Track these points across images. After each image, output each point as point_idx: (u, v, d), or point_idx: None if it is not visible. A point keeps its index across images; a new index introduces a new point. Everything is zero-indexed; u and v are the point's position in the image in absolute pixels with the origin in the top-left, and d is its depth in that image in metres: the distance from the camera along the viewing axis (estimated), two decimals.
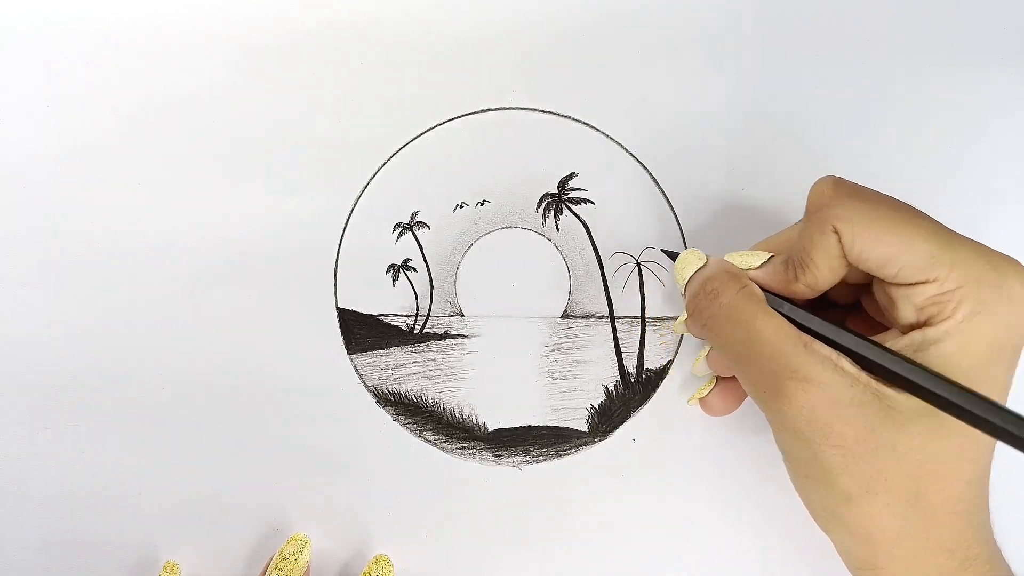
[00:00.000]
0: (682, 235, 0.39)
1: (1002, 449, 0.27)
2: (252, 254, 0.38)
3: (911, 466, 0.28)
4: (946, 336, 0.27)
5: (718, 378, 0.36)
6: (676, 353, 0.38)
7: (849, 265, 0.29)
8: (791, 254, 0.31)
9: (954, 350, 0.27)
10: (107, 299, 0.38)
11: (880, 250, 0.28)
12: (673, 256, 0.35)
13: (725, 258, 0.33)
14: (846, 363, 0.28)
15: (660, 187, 0.39)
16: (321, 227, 0.39)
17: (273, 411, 0.38)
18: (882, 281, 0.29)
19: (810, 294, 0.31)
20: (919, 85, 0.39)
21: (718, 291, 0.31)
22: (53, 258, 0.38)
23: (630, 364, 0.38)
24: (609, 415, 0.38)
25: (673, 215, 0.39)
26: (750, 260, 0.32)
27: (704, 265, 0.33)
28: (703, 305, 0.32)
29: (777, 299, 0.31)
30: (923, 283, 0.28)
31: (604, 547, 0.38)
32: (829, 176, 0.30)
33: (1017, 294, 0.27)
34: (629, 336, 0.39)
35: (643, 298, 0.39)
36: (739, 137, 0.39)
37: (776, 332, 0.29)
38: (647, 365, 0.38)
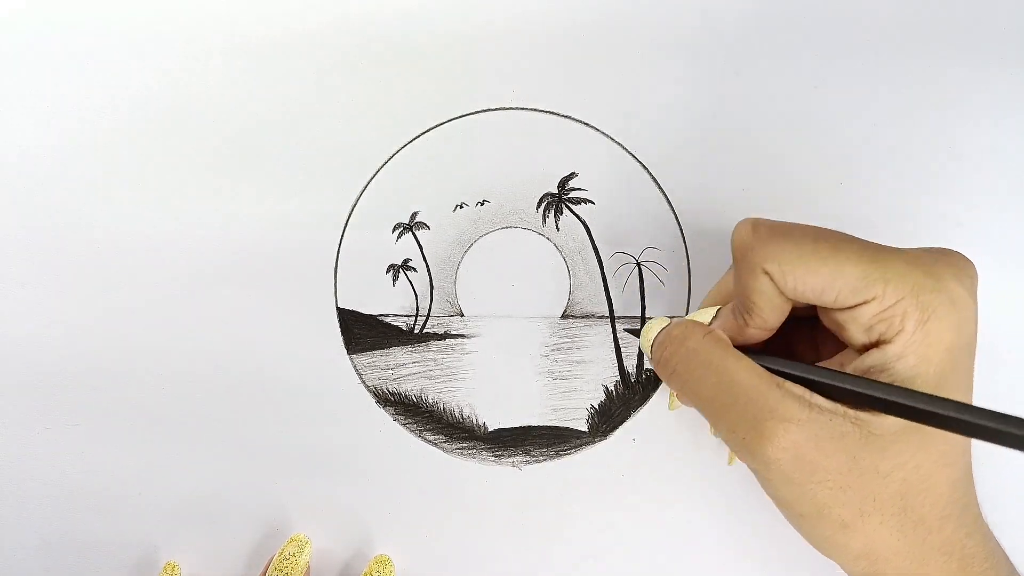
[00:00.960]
0: (682, 235, 0.39)
1: (996, 450, 0.27)
2: (252, 254, 0.38)
3: (896, 483, 0.28)
4: (905, 350, 0.27)
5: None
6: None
7: (789, 300, 0.29)
8: (734, 302, 0.31)
9: (916, 361, 0.27)
10: (107, 299, 0.38)
11: (812, 282, 0.28)
12: (638, 333, 0.36)
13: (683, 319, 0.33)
14: (819, 399, 0.28)
15: (660, 187, 0.39)
16: (321, 227, 0.39)
17: (273, 411, 0.38)
18: (824, 308, 0.29)
19: (764, 335, 0.31)
20: (919, 85, 0.39)
21: (685, 335, 0.31)
22: (53, 258, 0.38)
23: (630, 364, 0.38)
24: (609, 415, 0.38)
25: (673, 215, 0.39)
26: (702, 317, 0.32)
27: (668, 326, 0.33)
28: (671, 351, 0.31)
29: (741, 349, 0.31)
30: (863, 304, 0.28)
31: (604, 547, 0.38)
32: (746, 220, 0.30)
33: (957, 294, 0.27)
34: (629, 336, 0.39)
35: (643, 298, 0.39)
36: (739, 137, 0.39)
37: (749, 373, 0.29)
38: (647, 365, 0.38)
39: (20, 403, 0.38)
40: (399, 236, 0.39)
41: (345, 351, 0.38)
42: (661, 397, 0.38)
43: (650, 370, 0.38)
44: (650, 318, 0.38)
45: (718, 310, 0.32)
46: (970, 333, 0.28)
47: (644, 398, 0.38)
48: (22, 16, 0.39)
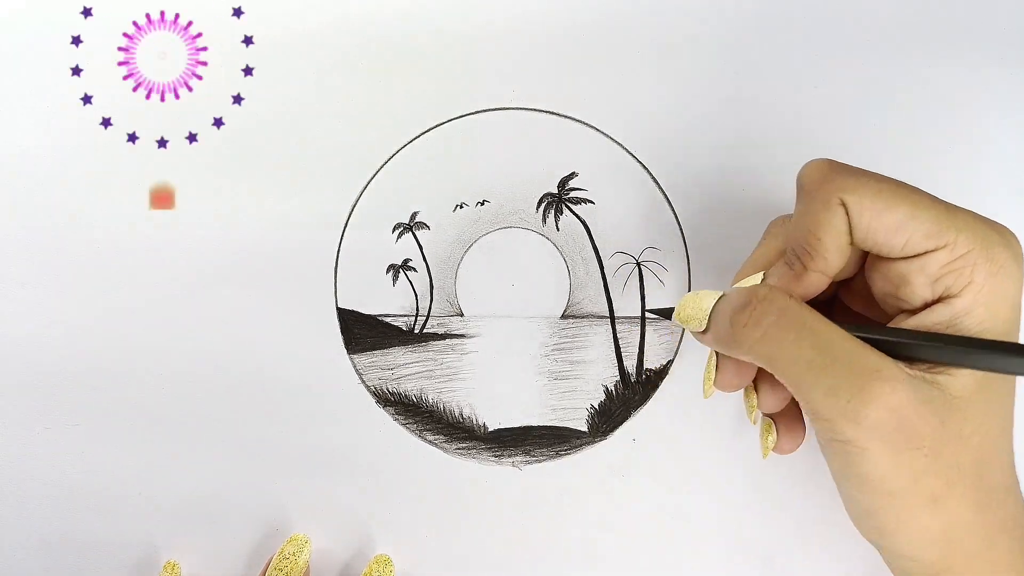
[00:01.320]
0: (682, 235, 0.39)
1: None
2: (252, 254, 0.38)
3: (974, 449, 0.27)
4: (975, 303, 0.26)
5: (774, 421, 0.34)
6: (676, 353, 0.38)
7: (852, 248, 0.28)
8: (790, 248, 0.30)
9: (986, 315, 0.26)
10: (107, 299, 0.38)
11: (888, 220, 0.27)
12: (665, 314, 0.34)
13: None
14: (903, 364, 0.27)
15: (660, 187, 0.39)
16: (321, 227, 0.39)
17: (273, 411, 0.38)
18: (886, 261, 0.28)
19: (822, 284, 0.29)
20: (918, 84, 0.39)
21: (772, 298, 0.28)
22: (53, 258, 0.38)
23: (630, 364, 0.38)
24: (609, 415, 0.38)
25: (673, 215, 0.39)
26: (749, 284, 0.31)
27: (723, 296, 0.30)
28: (760, 312, 0.28)
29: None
30: (934, 251, 0.27)
31: (604, 547, 0.38)
32: (820, 158, 0.29)
33: (1018, 250, 0.27)
34: (629, 336, 0.39)
35: (643, 298, 0.39)
36: (739, 136, 0.39)
37: (842, 334, 0.27)
38: (647, 365, 0.38)
39: (20, 403, 0.38)
40: (399, 236, 0.39)
41: (345, 351, 0.38)
42: (661, 397, 0.38)
43: (650, 370, 0.38)
44: (652, 312, 0.38)
45: (763, 274, 0.31)
46: None
47: (644, 398, 0.38)
48: (22, 16, 0.39)
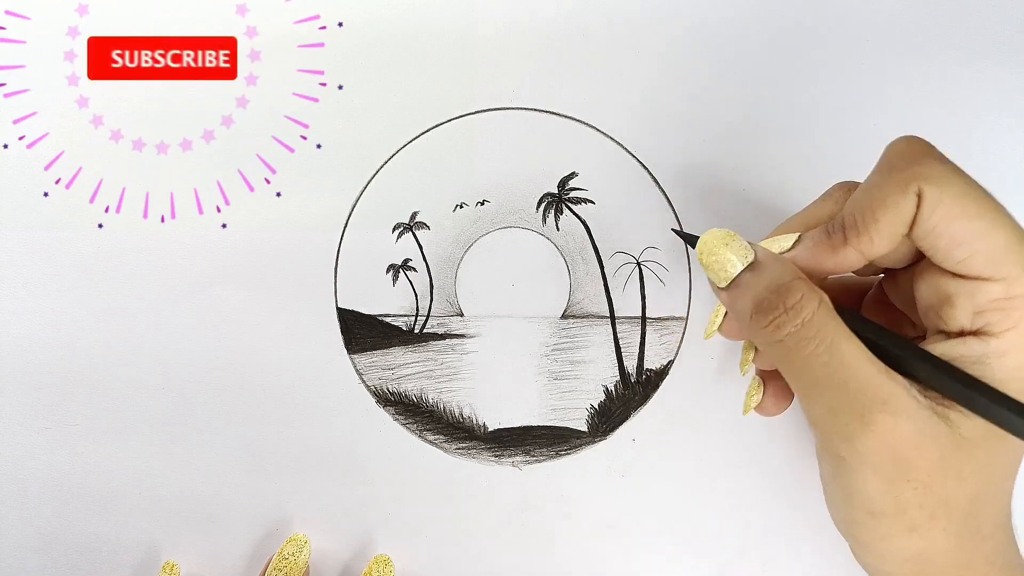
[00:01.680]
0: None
1: None
2: (252, 254, 0.38)
3: (971, 487, 0.26)
4: (1012, 349, 0.25)
5: (763, 379, 0.33)
6: (676, 353, 0.38)
7: (904, 241, 0.27)
8: (841, 216, 0.28)
9: (1017, 364, 0.25)
10: (107, 299, 0.38)
11: (959, 227, 0.25)
12: (691, 240, 0.31)
13: (761, 244, 0.29)
14: (916, 391, 0.26)
15: (660, 187, 0.39)
16: (321, 227, 0.39)
17: (273, 411, 0.38)
18: (937, 271, 0.26)
19: (856, 263, 0.27)
20: (919, 84, 0.39)
21: (802, 305, 0.27)
22: (53, 258, 0.38)
23: (630, 364, 0.38)
24: (609, 415, 0.38)
25: (673, 215, 0.39)
26: (781, 243, 0.29)
27: (755, 262, 0.28)
28: (782, 320, 0.27)
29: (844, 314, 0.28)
30: (989, 280, 0.25)
31: (604, 547, 0.38)
32: (916, 136, 0.27)
33: None
34: (629, 336, 0.38)
35: (643, 298, 0.39)
36: (739, 136, 0.39)
37: (860, 356, 0.26)
38: (647, 365, 0.38)
39: (20, 403, 0.38)
40: (399, 236, 0.39)
41: (345, 351, 0.38)
42: (661, 397, 0.38)
43: (650, 370, 0.38)
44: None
45: (799, 236, 0.29)
46: None
47: (644, 398, 0.38)
48: (22, 16, 0.39)
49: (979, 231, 0.25)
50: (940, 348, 0.26)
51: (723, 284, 0.29)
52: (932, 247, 0.26)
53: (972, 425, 0.26)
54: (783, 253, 0.29)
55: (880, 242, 0.26)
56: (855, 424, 0.26)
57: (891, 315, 0.32)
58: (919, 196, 0.25)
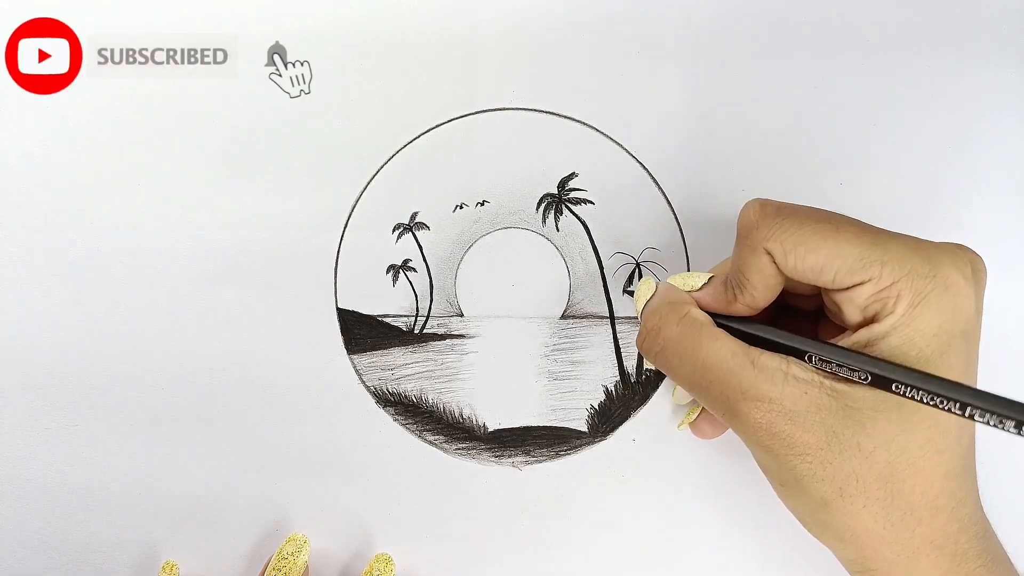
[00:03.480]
0: (682, 235, 0.39)
1: (1002, 444, 0.27)
2: (252, 254, 0.38)
3: (880, 464, 0.28)
4: (892, 330, 0.28)
5: None
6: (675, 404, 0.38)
7: (785, 279, 0.30)
8: (728, 275, 0.32)
9: (900, 342, 0.28)
10: (107, 299, 0.38)
11: (812, 261, 0.29)
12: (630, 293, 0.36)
13: (668, 281, 0.34)
14: (797, 369, 0.29)
15: (660, 187, 0.39)
16: (321, 227, 0.39)
17: (273, 411, 0.38)
18: (824, 289, 0.30)
19: (750, 312, 0.32)
20: (919, 85, 0.39)
21: (659, 326, 0.32)
22: (53, 258, 0.38)
23: (630, 364, 0.38)
24: (609, 415, 0.38)
25: (673, 215, 0.39)
26: (692, 281, 0.33)
27: (653, 293, 0.34)
28: (649, 342, 0.32)
29: (724, 319, 0.32)
30: (859, 284, 0.28)
31: (604, 547, 0.38)
32: (755, 199, 0.30)
33: (953, 281, 0.28)
34: (629, 336, 0.38)
35: None
36: (739, 136, 0.39)
37: (722, 355, 0.30)
38: (647, 365, 0.38)
39: (20, 403, 0.38)
40: (399, 236, 0.39)
41: (345, 351, 0.38)
42: (661, 397, 0.38)
43: (650, 370, 0.38)
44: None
45: (711, 277, 0.33)
46: (966, 320, 0.28)
47: (644, 398, 0.38)
48: (21, 17, 0.39)
49: (829, 256, 0.28)
50: (845, 341, 0.29)
51: (637, 313, 0.34)
52: (806, 279, 0.29)
53: (858, 394, 0.28)
54: (692, 291, 0.33)
55: (760, 295, 0.31)
56: (728, 415, 0.30)
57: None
58: (769, 254, 0.29)
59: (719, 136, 0.39)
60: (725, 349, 0.30)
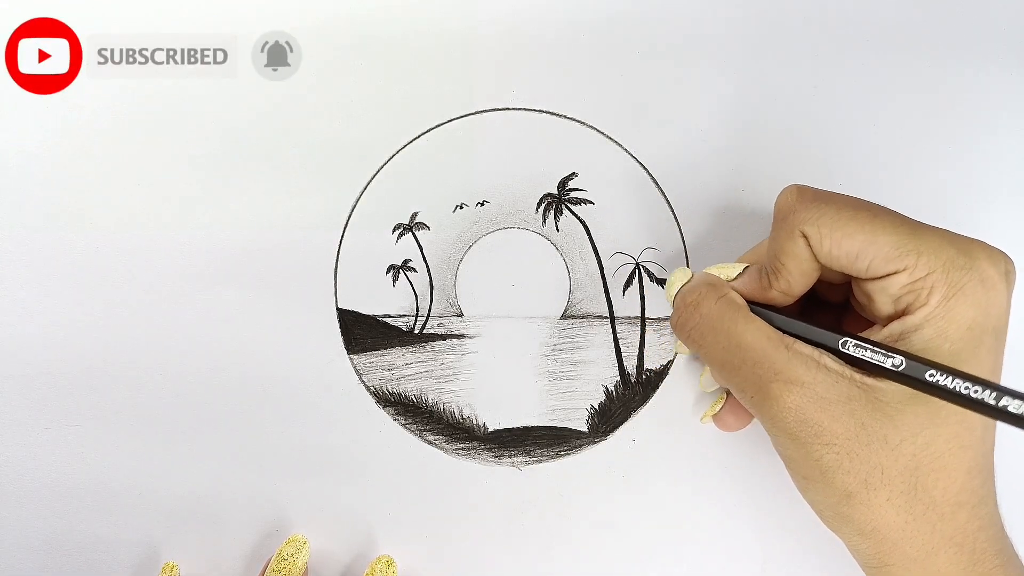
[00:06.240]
0: (681, 235, 0.39)
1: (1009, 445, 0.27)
2: (252, 254, 0.38)
3: (906, 457, 0.28)
4: (925, 322, 0.28)
5: (728, 393, 0.36)
6: (676, 354, 0.38)
7: (821, 267, 0.30)
8: (764, 263, 0.32)
9: (933, 334, 0.28)
10: (107, 299, 0.38)
11: (848, 247, 0.29)
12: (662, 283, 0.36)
13: (705, 271, 0.34)
14: (829, 360, 0.29)
15: (660, 187, 0.39)
16: (321, 227, 0.39)
17: (273, 411, 0.38)
18: (857, 278, 0.30)
19: (786, 300, 0.32)
20: (919, 85, 0.39)
21: (698, 302, 0.32)
22: (53, 258, 0.38)
23: (630, 364, 0.38)
24: (609, 415, 0.38)
25: (673, 215, 0.39)
26: (727, 272, 0.33)
27: (688, 280, 0.34)
28: (685, 317, 0.32)
29: (759, 307, 0.32)
30: (894, 273, 0.28)
31: (604, 547, 0.38)
32: (792, 185, 0.31)
33: (989, 275, 0.28)
34: (629, 336, 0.38)
35: (643, 298, 0.39)
36: (739, 137, 0.39)
37: (757, 336, 0.30)
38: (647, 365, 0.38)
39: (20, 403, 0.38)
40: (399, 236, 0.39)
41: (345, 351, 0.38)
42: (661, 398, 0.38)
43: (650, 370, 0.38)
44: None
45: (746, 268, 0.33)
46: (998, 316, 0.28)
47: (644, 398, 0.38)
48: (21, 17, 0.39)
49: (865, 243, 0.28)
50: (877, 335, 0.29)
51: (668, 300, 0.34)
52: (840, 266, 0.29)
53: (888, 389, 0.28)
54: (728, 281, 0.33)
55: (795, 282, 0.31)
56: (758, 396, 0.30)
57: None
58: (805, 238, 0.29)
59: (719, 136, 0.39)
60: (761, 330, 0.30)
